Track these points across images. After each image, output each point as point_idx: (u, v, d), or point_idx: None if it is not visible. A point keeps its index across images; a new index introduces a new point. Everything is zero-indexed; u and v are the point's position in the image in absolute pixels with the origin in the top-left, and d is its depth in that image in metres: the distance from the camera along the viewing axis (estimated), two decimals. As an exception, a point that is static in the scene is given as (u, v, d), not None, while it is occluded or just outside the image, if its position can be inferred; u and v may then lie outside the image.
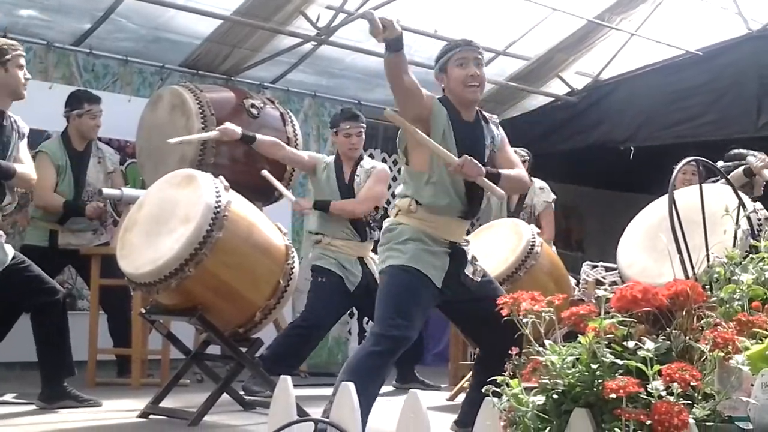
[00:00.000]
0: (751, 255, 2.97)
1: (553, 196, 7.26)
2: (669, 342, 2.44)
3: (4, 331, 5.44)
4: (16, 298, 5.02)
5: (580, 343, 2.42)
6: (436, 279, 3.96)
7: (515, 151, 7.12)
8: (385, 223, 4.09)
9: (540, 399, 2.40)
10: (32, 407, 5.02)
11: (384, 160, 9.49)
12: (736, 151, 5.88)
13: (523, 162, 7.11)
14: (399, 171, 9.38)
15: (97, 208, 6.26)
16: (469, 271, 4.09)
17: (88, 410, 5.00)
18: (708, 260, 3.08)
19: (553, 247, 7.13)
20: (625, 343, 2.41)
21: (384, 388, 4.01)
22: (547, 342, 2.48)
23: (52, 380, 5.02)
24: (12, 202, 4.91)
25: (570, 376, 2.36)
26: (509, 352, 4.17)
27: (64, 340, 5.04)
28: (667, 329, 2.49)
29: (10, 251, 4.88)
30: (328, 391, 4.76)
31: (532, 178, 7.24)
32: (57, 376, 5.03)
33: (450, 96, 4.13)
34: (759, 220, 4.24)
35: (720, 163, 5.79)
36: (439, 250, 4.00)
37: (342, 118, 6.28)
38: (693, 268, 3.08)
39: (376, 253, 6.00)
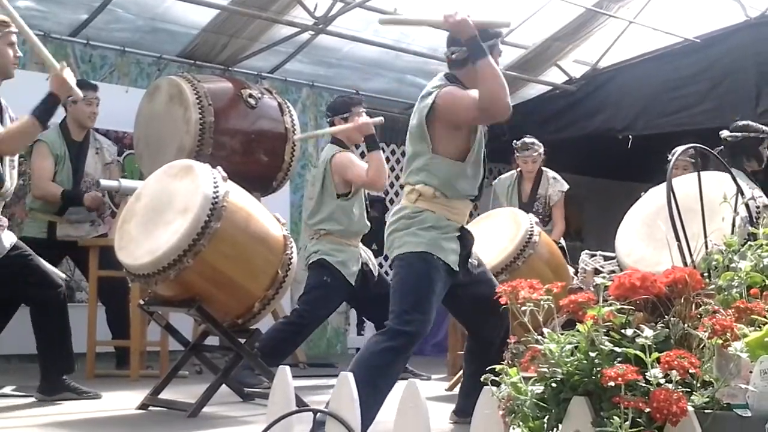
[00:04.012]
0: (749, 242, 2.97)
1: (567, 186, 7.30)
2: (667, 329, 2.44)
3: (3, 324, 5.43)
4: (15, 288, 5.00)
5: (578, 331, 2.42)
6: (454, 263, 3.96)
7: (533, 143, 7.21)
8: (404, 210, 4.01)
9: (539, 387, 2.40)
10: (31, 399, 5.02)
11: (382, 150, 9.48)
12: (742, 123, 5.85)
13: (539, 155, 7.20)
14: (396, 161, 9.41)
15: (95, 198, 6.26)
16: (472, 255, 4.13)
17: (87, 402, 5.00)
18: (706, 248, 3.07)
19: (562, 240, 7.16)
20: (623, 330, 2.41)
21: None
22: (545, 330, 2.48)
23: (51, 373, 5.01)
24: (10, 188, 4.87)
25: (568, 365, 2.36)
26: (498, 338, 4.21)
27: (64, 335, 5.02)
28: (666, 317, 2.49)
29: (9, 240, 4.86)
30: (327, 381, 4.78)
31: (544, 168, 7.31)
32: (56, 370, 5.02)
33: (474, 78, 4.00)
34: (757, 207, 4.24)
35: (725, 133, 5.77)
36: (453, 235, 4.00)
37: (352, 102, 6.20)
38: (691, 255, 3.08)
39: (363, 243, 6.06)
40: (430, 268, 3.90)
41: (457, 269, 3.97)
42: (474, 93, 3.89)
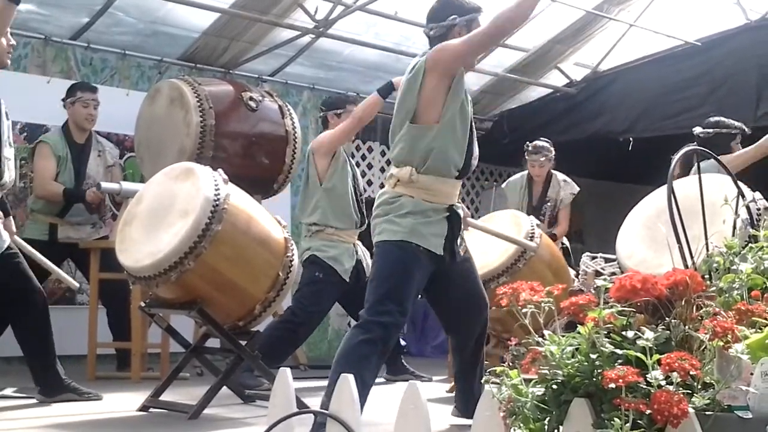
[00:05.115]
0: (750, 244, 2.97)
1: (577, 189, 7.31)
2: (668, 331, 2.44)
3: (2, 329, 5.42)
4: (13, 295, 4.98)
5: (579, 333, 2.42)
6: (437, 247, 3.94)
7: (543, 148, 7.19)
8: (383, 195, 4.03)
9: (539, 389, 2.40)
10: (32, 401, 5.03)
11: (383, 153, 9.50)
12: (716, 118, 5.87)
13: (549, 160, 7.20)
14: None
15: (96, 194, 6.25)
16: (462, 240, 4.13)
17: (88, 404, 5.00)
18: (707, 250, 3.07)
19: (565, 240, 7.17)
20: (624, 332, 2.41)
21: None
22: (546, 332, 2.48)
23: (47, 375, 5.00)
24: (8, 180, 4.85)
25: (569, 366, 2.36)
26: (476, 334, 4.22)
27: (47, 342, 4.98)
28: (667, 319, 2.49)
29: (7, 238, 4.86)
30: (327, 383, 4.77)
31: (554, 171, 7.32)
32: (47, 373, 4.99)
33: None
34: (758, 209, 4.24)
35: (698, 129, 5.78)
36: (438, 217, 3.98)
37: (347, 100, 6.22)
38: (692, 257, 3.08)
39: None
40: (406, 256, 3.89)
41: (441, 252, 3.95)
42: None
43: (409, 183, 3.96)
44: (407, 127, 3.98)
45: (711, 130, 5.72)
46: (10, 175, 4.83)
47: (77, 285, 5.39)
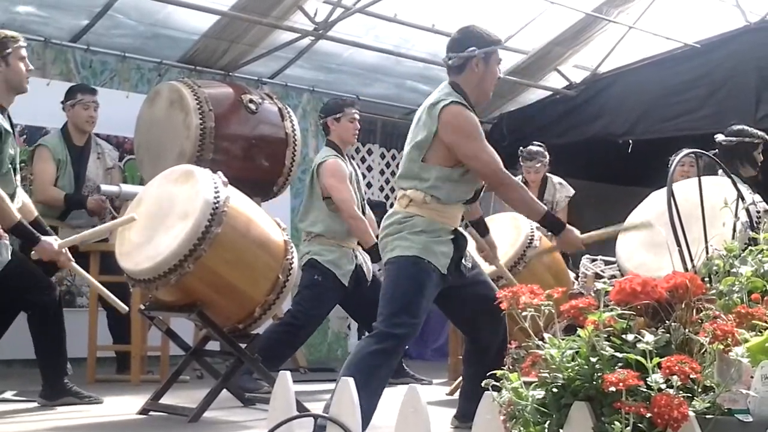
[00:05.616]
0: (750, 247, 2.97)
1: (573, 191, 7.30)
2: (668, 335, 2.44)
3: (2, 330, 5.42)
4: (13, 296, 5.00)
5: (579, 336, 2.42)
6: (444, 267, 3.98)
7: (538, 153, 7.18)
8: (395, 215, 4.05)
9: (539, 393, 2.40)
10: (33, 404, 5.03)
11: (383, 156, 9.51)
12: (737, 127, 5.85)
13: (544, 165, 7.19)
14: (397, 165, 9.42)
15: (98, 201, 6.26)
16: (466, 257, 4.15)
17: (88, 407, 5.00)
18: (707, 253, 3.07)
19: None
20: (624, 336, 2.41)
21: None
22: (546, 335, 2.48)
23: (53, 378, 5.02)
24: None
25: (569, 370, 2.36)
26: (497, 340, 4.21)
27: (61, 339, 5.02)
28: (667, 322, 2.49)
29: (9, 250, 4.86)
30: (327, 386, 4.78)
31: (548, 174, 7.31)
32: (57, 374, 5.02)
33: (473, 86, 4.10)
34: (758, 212, 4.24)
35: (720, 137, 5.76)
36: (447, 238, 4.03)
37: (345, 103, 6.22)
38: (692, 260, 3.08)
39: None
40: (420, 272, 3.93)
41: (446, 272, 3.99)
42: (486, 146, 4.03)
43: (422, 204, 4.01)
44: (420, 164, 4.03)
45: (734, 139, 5.70)
46: (20, 199, 4.88)
47: (126, 308, 5.25)
